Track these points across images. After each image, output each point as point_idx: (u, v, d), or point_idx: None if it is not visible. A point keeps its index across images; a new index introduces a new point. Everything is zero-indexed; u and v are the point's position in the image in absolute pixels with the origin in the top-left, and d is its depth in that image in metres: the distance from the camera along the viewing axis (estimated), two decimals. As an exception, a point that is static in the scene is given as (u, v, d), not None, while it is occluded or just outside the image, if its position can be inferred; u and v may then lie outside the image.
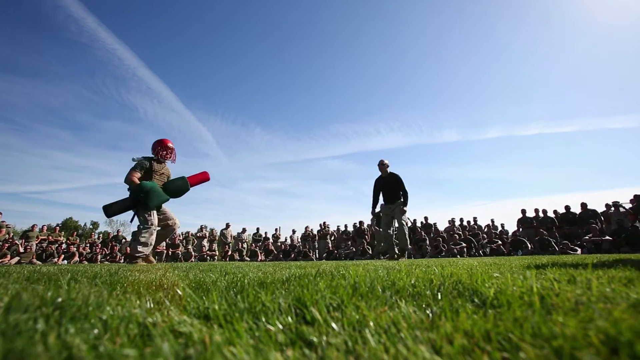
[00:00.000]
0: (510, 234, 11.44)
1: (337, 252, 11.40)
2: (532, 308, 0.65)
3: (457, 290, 0.96)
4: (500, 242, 9.94)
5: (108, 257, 11.84)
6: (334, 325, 0.56)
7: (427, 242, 10.76)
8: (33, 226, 11.67)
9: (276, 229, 13.80)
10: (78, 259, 11.04)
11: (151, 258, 4.61)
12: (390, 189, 6.01)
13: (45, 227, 12.50)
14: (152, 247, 4.33)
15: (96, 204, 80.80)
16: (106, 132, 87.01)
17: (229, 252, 12.31)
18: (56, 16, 77.83)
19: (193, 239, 13.29)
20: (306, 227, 12.92)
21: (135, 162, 4.41)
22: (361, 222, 12.52)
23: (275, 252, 12.05)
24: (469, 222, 12.33)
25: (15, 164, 74.33)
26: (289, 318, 0.62)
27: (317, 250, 12.15)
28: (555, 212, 10.35)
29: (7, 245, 10.23)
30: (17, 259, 9.79)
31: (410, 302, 0.80)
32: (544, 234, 9.18)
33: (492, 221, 12.42)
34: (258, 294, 0.77)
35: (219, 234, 13.67)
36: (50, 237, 11.96)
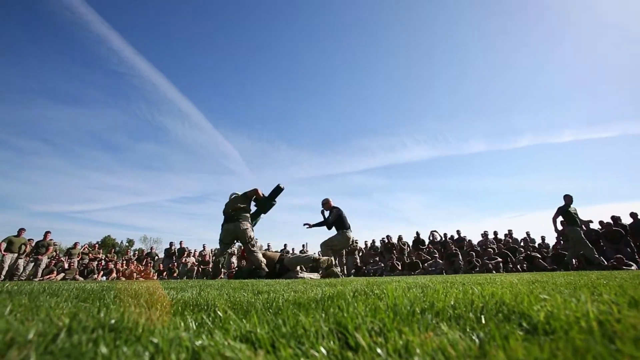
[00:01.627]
0: (551, 247, 10.73)
1: (365, 268, 11.18)
2: (592, 336, 0.60)
3: (501, 313, 0.91)
4: (539, 257, 9.34)
5: (142, 274, 12.30)
6: (379, 351, 0.55)
7: (460, 256, 10.32)
8: (75, 244, 12.41)
9: (303, 245, 13.78)
10: (116, 275, 11.55)
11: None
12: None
13: (86, 245, 13.26)
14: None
15: (131, 222, 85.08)
16: (140, 153, 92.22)
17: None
18: (99, 50, 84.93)
19: (222, 256, 13.55)
20: (334, 243, 12.81)
21: None
22: (389, 237, 12.25)
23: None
24: (506, 234, 11.72)
25: (59, 185, 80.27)
26: (332, 343, 0.61)
27: (345, 266, 11.97)
28: (601, 222, 9.59)
29: (53, 262, 10.94)
30: (62, 275, 10.42)
31: (452, 326, 0.77)
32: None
33: (528, 234, 11.74)
34: (297, 317, 0.77)
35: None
36: (91, 254, 12.64)
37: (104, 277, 11.11)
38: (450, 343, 0.60)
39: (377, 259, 11.75)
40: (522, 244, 11.30)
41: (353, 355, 0.55)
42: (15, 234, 9.38)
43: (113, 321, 0.71)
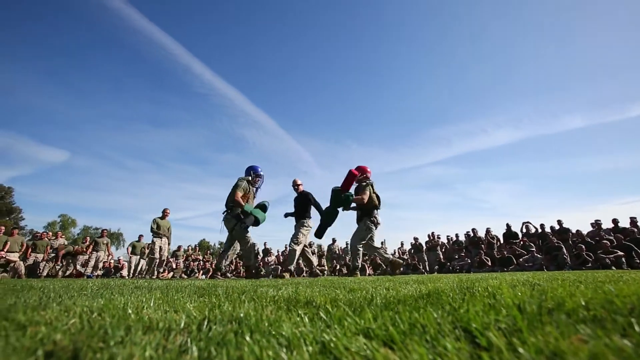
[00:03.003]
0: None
1: (450, 264, 10.49)
2: None
3: (660, 316, 0.75)
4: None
5: (234, 272, 13.61)
6: (522, 351, 0.50)
7: (564, 250, 8.96)
8: (179, 247, 14.34)
9: (382, 242, 13.60)
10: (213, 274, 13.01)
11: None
12: (297, 207, 6.08)
13: (188, 247, 15.23)
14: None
15: (220, 226, 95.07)
16: (224, 163, 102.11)
17: (337, 267, 12.66)
18: (185, 76, 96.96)
19: (302, 255, 14.21)
20: (415, 238, 12.35)
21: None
22: (474, 230, 11.30)
23: (385, 266, 11.83)
24: (632, 223, 9.69)
25: (161, 196, 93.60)
26: (458, 342, 0.58)
27: (426, 263, 11.43)
28: None
29: (164, 262, 12.87)
30: (171, 273, 12.16)
31: (594, 329, 0.66)
32: None
33: (662, 221, 9.55)
34: (411, 313, 0.76)
35: (326, 249, 14.29)
36: (192, 256, 14.47)
37: (204, 276, 12.60)
38: (607, 346, 0.52)
39: (463, 254, 10.94)
40: (651, 233, 9.28)
41: (488, 357, 0.51)
42: (137, 239, 11.61)
43: (242, 314, 0.79)
